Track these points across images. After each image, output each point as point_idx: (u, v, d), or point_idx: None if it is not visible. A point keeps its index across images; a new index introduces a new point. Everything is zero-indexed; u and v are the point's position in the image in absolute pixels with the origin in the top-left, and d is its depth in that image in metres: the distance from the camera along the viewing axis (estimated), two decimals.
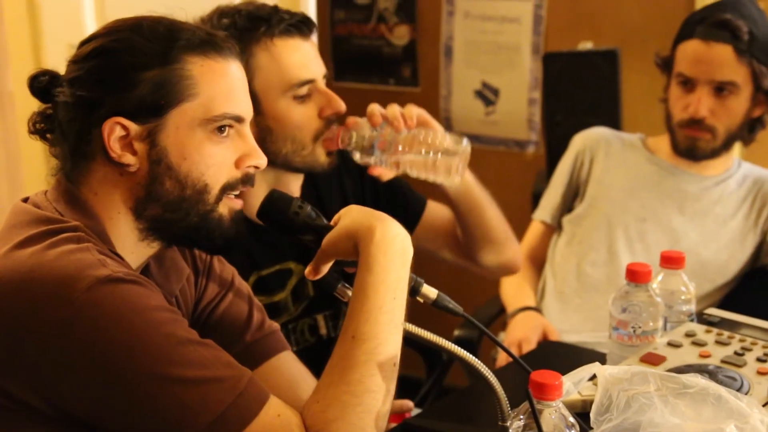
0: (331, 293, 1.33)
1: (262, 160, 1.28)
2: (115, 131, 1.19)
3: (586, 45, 2.97)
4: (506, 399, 1.34)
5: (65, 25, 2.61)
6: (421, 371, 2.21)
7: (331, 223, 1.30)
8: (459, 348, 1.31)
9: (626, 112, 2.80)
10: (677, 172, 2.23)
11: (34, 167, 2.62)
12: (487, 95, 3.29)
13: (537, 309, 2.18)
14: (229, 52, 1.26)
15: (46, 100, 1.25)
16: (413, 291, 1.29)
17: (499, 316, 2.31)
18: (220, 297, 1.40)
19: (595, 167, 2.29)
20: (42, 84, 1.23)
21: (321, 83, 1.68)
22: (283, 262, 1.72)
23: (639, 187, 2.24)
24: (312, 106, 1.67)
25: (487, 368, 1.34)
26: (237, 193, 1.28)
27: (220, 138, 1.23)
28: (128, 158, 1.20)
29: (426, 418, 1.49)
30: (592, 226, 2.24)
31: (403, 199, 1.90)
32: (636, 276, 1.49)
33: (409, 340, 1.78)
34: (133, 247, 1.24)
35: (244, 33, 1.61)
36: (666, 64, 2.20)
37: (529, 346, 2.02)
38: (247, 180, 1.28)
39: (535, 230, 2.37)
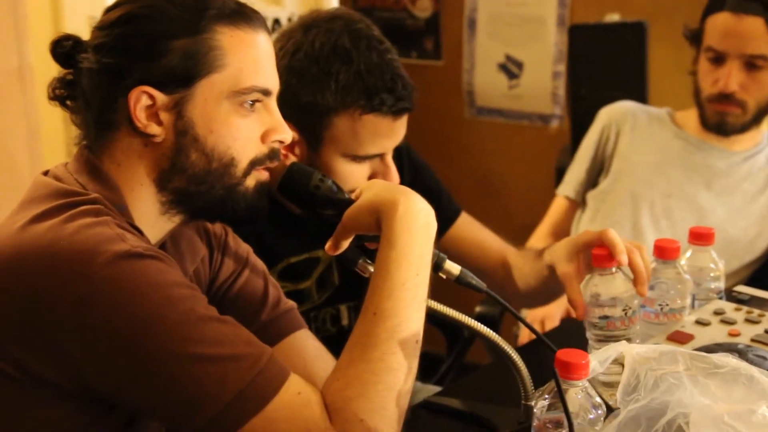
0: (352, 269, 1.31)
1: (287, 134, 1.26)
2: (142, 100, 1.17)
3: (613, 17, 2.91)
4: (530, 377, 1.32)
5: None
6: (442, 348, 2.19)
7: (353, 197, 1.28)
8: (481, 325, 1.29)
9: (653, 86, 2.75)
10: (705, 147, 2.18)
11: (54, 141, 2.60)
12: (511, 68, 3.25)
13: None
14: (258, 22, 1.23)
15: (68, 66, 1.22)
16: (436, 267, 1.27)
17: None
18: (236, 275, 1.38)
19: (621, 142, 2.24)
20: (65, 49, 1.21)
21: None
22: (312, 250, 1.68)
23: (665, 162, 2.20)
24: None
25: (509, 345, 1.32)
26: (263, 168, 1.25)
27: (247, 111, 1.21)
28: (154, 128, 1.18)
29: (447, 397, 1.47)
30: (616, 202, 2.20)
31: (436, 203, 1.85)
32: (664, 252, 1.46)
33: (430, 316, 1.77)
34: (154, 220, 1.22)
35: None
36: (695, 37, 2.15)
37: (553, 322, 1.99)
38: (274, 155, 1.26)
39: (558, 205, 2.33)
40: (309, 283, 1.70)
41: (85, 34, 1.24)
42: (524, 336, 2.05)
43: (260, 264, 1.41)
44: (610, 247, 1.41)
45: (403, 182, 1.62)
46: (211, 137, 1.19)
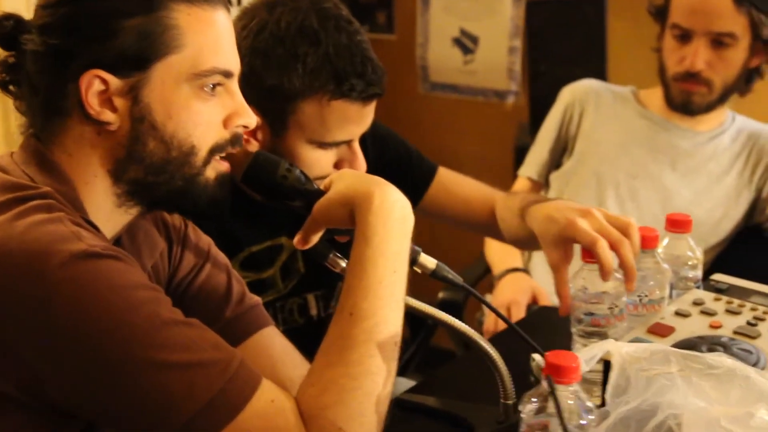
0: (322, 263, 1.25)
1: (251, 119, 1.18)
2: (94, 85, 1.08)
3: None
4: (509, 375, 1.27)
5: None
6: (405, 333, 2.13)
7: (322, 187, 1.21)
8: (463, 324, 1.24)
9: (611, 62, 2.71)
10: (670, 127, 2.15)
11: None
12: (466, 43, 3.18)
13: (525, 270, 2.10)
14: (218, 1, 1.15)
15: (10, 48, 1.13)
16: (411, 261, 1.21)
17: (484, 277, 2.23)
18: (197, 269, 1.30)
19: (585, 121, 2.20)
20: (6, 29, 1.11)
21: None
22: (275, 237, 1.61)
23: (630, 142, 2.16)
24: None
25: (489, 344, 1.26)
26: (224, 155, 1.18)
27: (207, 95, 1.13)
28: (108, 115, 1.09)
29: (420, 394, 1.40)
30: (581, 184, 2.16)
31: (407, 167, 1.78)
32: (643, 241, 1.41)
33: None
34: (109, 214, 1.14)
35: None
36: (659, 13, 2.11)
37: (519, 309, 1.94)
38: (236, 141, 1.18)
39: (520, 186, 2.28)
40: (272, 271, 1.62)
41: (23, 12, 1.14)
42: (490, 323, 2.00)
43: (222, 257, 1.33)
44: (598, 261, 1.34)
45: (368, 159, 1.57)
46: (170, 123, 1.11)
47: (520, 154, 2.63)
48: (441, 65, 3.24)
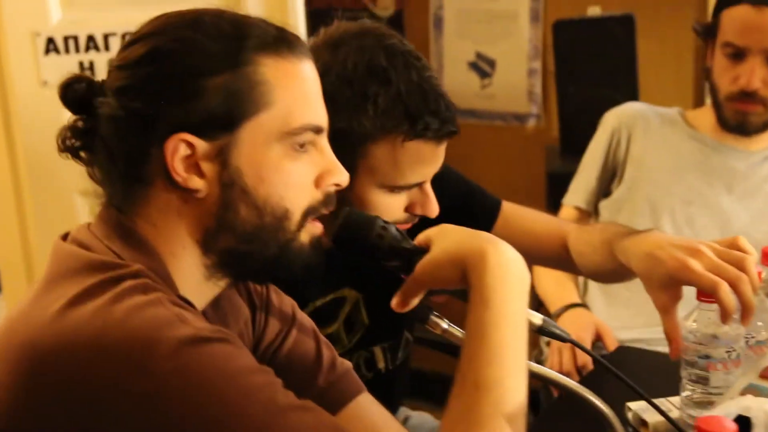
0: (421, 325, 1.16)
1: (344, 177, 1.09)
2: (179, 150, 0.98)
3: (595, 10, 2.78)
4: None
5: (28, 10, 2.34)
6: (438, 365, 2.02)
7: (416, 243, 1.12)
8: (585, 389, 1.15)
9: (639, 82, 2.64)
10: (722, 149, 2.06)
11: None
12: (483, 67, 3.10)
13: (585, 305, 2.00)
14: (302, 49, 1.06)
15: (81, 112, 1.03)
16: None
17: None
18: (283, 335, 1.21)
19: (633, 146, 2.10)
20: (77, 93, 1.02)
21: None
22: (338, 289, 1.51)
23: (682, 167, 2.07)
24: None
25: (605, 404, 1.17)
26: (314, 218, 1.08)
27: (298, 153, 1.04)
28: (195, 182, 1.00)
29: None
30: (634, 212, 2.07)
31: (471, 205, 1.68)
32: None
33: (418, 338, 1.62)
34: (198, 287, 1.04)
35: None
36: (708, 32, 2.02)
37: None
38: (329, 201, 1.09)
39: (567, 216, 2.17)
40: (337, 325, 1.52)
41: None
42: (555, 362, 1.88)
43: (308, 321, 1.24)
44: (720, 305, 1.24)
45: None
46: (262, 187, 1.02)
47: (553, 180, 2.54)
48: (457, 90, 3.15)
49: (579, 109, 2.37)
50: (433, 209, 1.43)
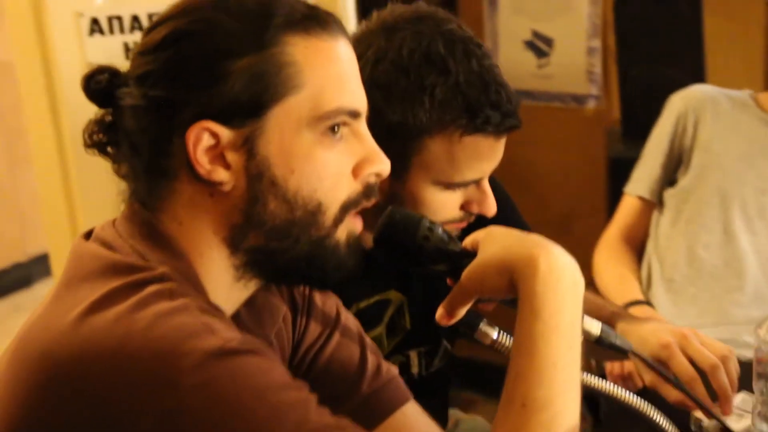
0: (470, 336, 1.07)
1: (385, 165, 1.00)
2: (203, 139, 0.91)
3: None
4: None
5: None
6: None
7: (465, 245, 1.03)
8: (648, 404, 1.05)
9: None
10: None
11: (39, 143, 2.34)
12: (540, 46, 2.97)
13: (648, 303, 1.88)
14: (337, 27, 0.98)
15: (107, 104, 0.97)
16: None
17: None
18: (325, 337, 1.13)
19: (701, 132, 1.97)
20: (101, 84, 0.95)
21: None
22: (384, 291, 1.42)
23: (755, 153, 1.93)
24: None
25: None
26: (357, 211, 1.00)
27: (332, 141, 0.96)
28: (220, 174, 0.93)
29: None
30: (702, 202, 1.94)
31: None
32: None
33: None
34: (227, 290, 0.97)
35: None
36: None
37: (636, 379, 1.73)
38: (370, 192, 1.00)
39: (630, 207, 2.05)
40: (380, 329, 1.44)
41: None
42: (616, 366, 1.77)
43: (354, 322, 1.16)
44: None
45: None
46: (292, 178, 0.94)
47: (614, 166, 2.42)
48: (513, 70, 3.02)
49: (642, 90, 2.25)
50: (491, 208, 1.34)
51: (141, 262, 0.91)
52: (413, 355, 1.48)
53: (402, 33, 1.26)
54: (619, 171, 2.18)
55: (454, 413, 1.71)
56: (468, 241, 1.03)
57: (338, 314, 1.14)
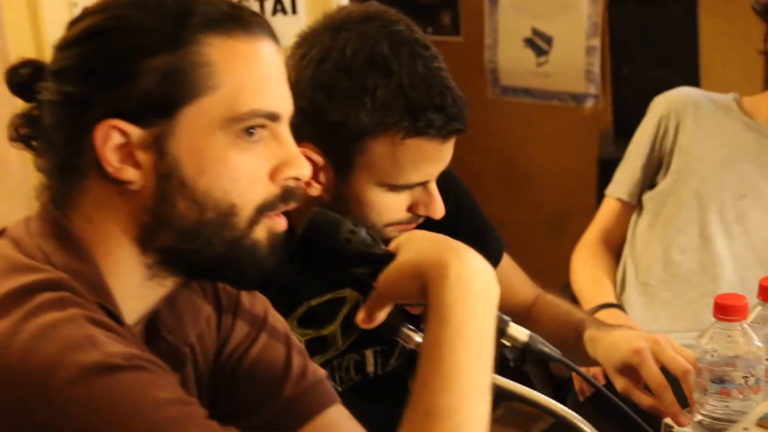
0: (393, 338, 1.07)
1: (304, 170, 0.99)
2: (112, 138, 0.90)
3: None
4: None
5: None
6: None
7: (390, 248, 1.02)
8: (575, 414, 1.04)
9: (702, 65, 2.47)
10: None
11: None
12: (539, 44, 2.97)
13: (619, 306, 1.87)
14: (260, 28, 0.96)
15: (30, 98, 0.96)
16: (498, 332, 1.02)
17: None
18: (251, 339, 1.11)
19: (682, 135, 1.95)
20: (22, 78, 0.95)
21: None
22: (338, 289, 1.42)
23: (736, 158, 1.91)
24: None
25: None
26: (277, 212, 0.99)
27: (248, 143, 0.94)
28: (129, 173, 0.92)
29: None
30: (679, 206, 1.92)
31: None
32: None
33: None
34: (139, 288, 0.96)
35: None
36: (767, 11, 1.86)
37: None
38: (289, 196, 0.99)
39: (609, 209, 2.04)
40: (334, 327, 1.44)
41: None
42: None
43: (281, 324, 1.15)
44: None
45: (446, 206, 1.37)
46: (202, 180, 0.93)
47: (604, 166, 2.40)
48: (512, 68, 3.03)
49: (634, 92, 2.24)
50: (438, 210, 1.34)
51: (40, 264, 0.91)
52: (369, 354, 1.48)
53: (347, 33, 1.26)
54: (609, 171, 2.15)
55: None
56: (392, 245, 1.03)
57: (266, 316, 1.13)
